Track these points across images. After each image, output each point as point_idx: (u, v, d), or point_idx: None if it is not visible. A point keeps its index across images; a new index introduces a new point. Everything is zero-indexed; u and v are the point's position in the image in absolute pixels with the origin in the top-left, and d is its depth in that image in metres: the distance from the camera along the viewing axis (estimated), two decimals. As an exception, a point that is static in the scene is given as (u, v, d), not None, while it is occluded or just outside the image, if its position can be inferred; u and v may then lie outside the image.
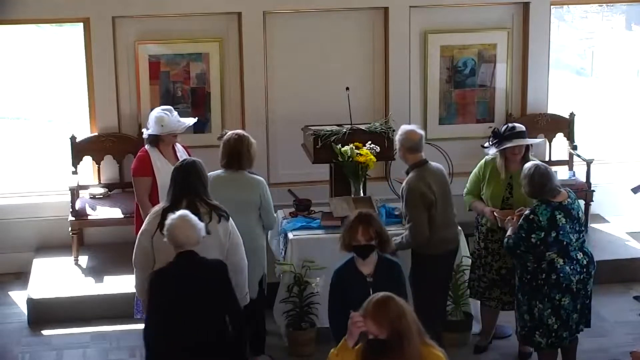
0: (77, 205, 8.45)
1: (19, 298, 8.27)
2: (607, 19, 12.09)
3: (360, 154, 7.54)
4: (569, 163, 9.31)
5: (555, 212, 6.35)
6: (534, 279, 6.44)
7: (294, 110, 8.90)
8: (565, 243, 6.40)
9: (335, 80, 8.80)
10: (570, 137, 9.26)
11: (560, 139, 9.30)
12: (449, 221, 6.89)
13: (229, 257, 5.98)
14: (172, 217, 5.54)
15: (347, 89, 7.87)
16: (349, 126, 7.86)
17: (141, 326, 7.08)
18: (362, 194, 7.69)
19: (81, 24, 8.73)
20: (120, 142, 8.76)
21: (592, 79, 12.50)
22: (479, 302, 7.37)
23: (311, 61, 9.02)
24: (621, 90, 11.29)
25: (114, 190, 8.85)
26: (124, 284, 7.91)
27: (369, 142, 7.62)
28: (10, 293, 8.47)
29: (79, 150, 8.73)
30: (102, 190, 8.76)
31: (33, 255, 8.71)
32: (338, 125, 7.97)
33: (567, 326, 6.50)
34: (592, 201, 9.00)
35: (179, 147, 7.48)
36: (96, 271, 8.39)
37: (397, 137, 6.94)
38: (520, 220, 6.44)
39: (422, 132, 6.91)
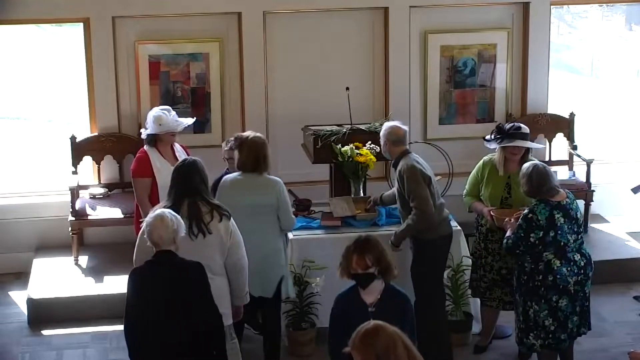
0: (77, 205, 8.45)
1: (19, 298, 8.27)
2: (607, 19, 12.09)
3: (360, 154, 7.55)
4: (569, 163, 9.31)
5: (554, 212, 6.35)
6: (530, 280, 6.43)
7: (294, 111, 8.90)
8: (562, 244, 6.39)
9: (335, 80, 8.80)
10: (570, 137, 9.26)
11: (560, 139, 9.30)
12: (441, 204, 6.98)
13: (229, 255, 5.98)
14: (150, 214, 5.53)
15: (347, 89, 7.88)
16: (349, 126, 7.86)
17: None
18: (362, 194, 7.70)
19: (81, 24, 8.73)
20: (120, 142, 8.76)
21: (592, 79, 12.50)
22: (479, 302, 7.37)
23: (311, 61, 9.02)
24: (621, 90, 11.29)
25: (114, 190, 8.85)
26: (124, 284, 7.85)
27: (369, 142, 7.62)
28: (10, 293, 8.47)
29: (79, 150, 8.73)
30: (102, 190, 8.76)
31: (33, 255, 8.71)
32: (338, 125, 7.97)
33: (565, 328, 6.47)
34: (592, 201, 9.00)
35: (177, 147, 7.48)
36: (96, 271, 8.38)
37: (381, 133, 7.03)
38: (519, 220, 6.44)
39: (406, 128, 7.04)
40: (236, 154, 6.78)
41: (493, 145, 7.04)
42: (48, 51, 12.68)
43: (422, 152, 7.53)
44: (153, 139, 7.35)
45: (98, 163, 8.80)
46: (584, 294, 6.52)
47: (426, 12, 9.06)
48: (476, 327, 7.48)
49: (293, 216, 6.92)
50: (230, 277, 6.03)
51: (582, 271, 6.46)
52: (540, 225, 6.34)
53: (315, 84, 9.00)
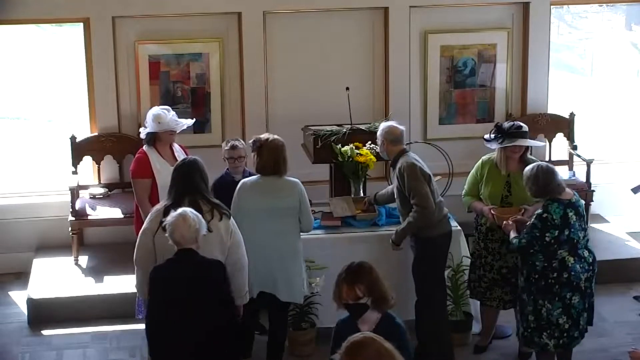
0: (77, 205, 8.45)
1: (19, 298, 8.27)
2: (607, 19, 12.09)
3: (360, 154, 7.55)
4: (569, 163, 9.31)
5: (567, 210, 6.35)
6: (542, 278, 6.41)
7: (294, 110, 8.90)
8: (575, 241, 6.40)
9: (335, 80, 8.80)
10: (570, 137, 9.26)
11: (560, 139, 9.30)
12: (441, 202, 6.99)
13: (230, 255, 5.99)
14: (173, 213, 5.56)
15: (347, 89, 7.88)
16: (349, 126, 7.86)
17: (142, 326, 7.11)
18: (362, 194, 7.70)
19: (81, 24, 8.73)
20: (120, 142, 8.76)
21: (592, 79, 12.50)
22: (478, 302, 7.37)
23: (311, 61, 9.02)
24: (621, 90, 11.29)
25: (114, 190, 8.85)
26: (124, 284, 7.92)
27: (369, 142, 7.62)
28: (10, 293, 8.47)
29: (79, 150, 8.73)
30: (102, 190, 8.76)
31: (33, 255, 8.71)
32: (338, 125, 7.98)
33: (578, 325, 6.48)
34: (592, 201, 8.99)
35: (176, 147, 7.47)
36: (96, 271, 8.38)
37: (378, 133, 7.05)
38: (534, 220, 6.40)
39: (403, 127, 7.05)
40: (254, 157, 6.75)
41: (494, 146, 7.03)
42: (48, 51, 12.68)
43: (422, 152, 7.53)
44: (152, 138, 7.35)
45: (98, 163, 8.80)
46: (591, 291, 6.53)
47: (426, 12, 9.07)
48: (476, 327, 7.48)
49: (312, 217, 6.90)
50: (231, 277, 6.03)
51: (590, 267, 6.49)
52: (555, 224, 6.33)
53: (315, 84, 9.00)
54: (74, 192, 8.43)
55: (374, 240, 7.28)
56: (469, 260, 7.33)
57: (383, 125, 7.06)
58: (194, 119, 7.81)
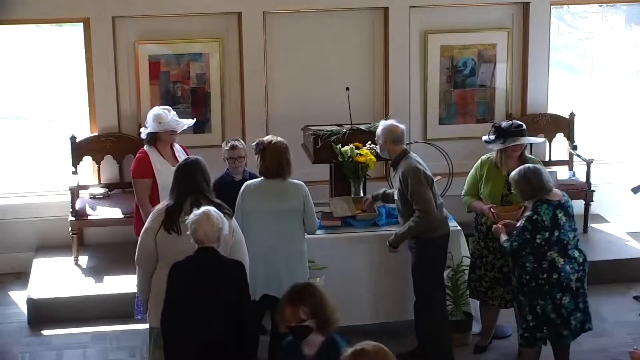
0: (77, 205, 8.45)
1: (19, 298, 8.27)
2: (607, 19, 12.09)
3: (360, 154, 7.55)
4: (569, 163, 9.31)
5: (557, 211, 6.36)
6: (533, 279, 6.43)
7: (294, 110, 8.90)
8: (565, 242, 6.42)
9: (335, 80, 8.80)
10: (570, 137, 9.26)
11: (560, 139, 9.30)
12: (441, 204, 7.00)
13: (232, 254, 5.98)
14: (196, 212, 5.56)
15: (347, 89, 7.88)
16: (349, 126, 7.86)
17: (141, 326, 7.13)
18: (362, 194, 7.70)
19: (81, 24, 8.73)
20: (120, 142, 8.77)
21: (592, 79, 12.49)
22: (478, 302, 7.37)
23: (311, 61, 9.02)
24: (621, 90, 11.28)
25: (114, 190, 8.85)
26: (124, 284, 7.92)
27: (369, 142, 7.62)
28: (10, 293, 8.46)
29: (79, 150, 8.73)
30: (102, 190, 8.76)
31: (33, 255, 8.71)
32: (338, 125, 7.97)
33: (568, 324, 6.49)
34: (592, 201, 9.00)
35: (177, 147, 7.47)
36: (96, 271, 8.38)
37: (379, 131, 7.02)
38: (524, 222, 6.42)
39: (403, 126, 7.04)
40: (258, 159, 6.74)
41: (497, 147, 7.01)
42: (48, 51, 12.67)
43: (422, 152, 7.53)
44: (152, 138, 7.35)
45: (98, 163, 8.80)
46: (583, 291, 6.54)
47: (426, 12, 9.07)
48: (476, 327, 7.48)
49: (317, 219, 6.90)
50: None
51: (581, 267, 6.50)
52: (545, 226, 6.34)
53: (315, 84, 9.00)
54: (74, 192, 8.43)
55: (374, 240, 7.28)
56: (469, 260, 7.33)
57: (384, 124, 7.05)
58: (195, 119, 7.81)
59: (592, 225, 9.15)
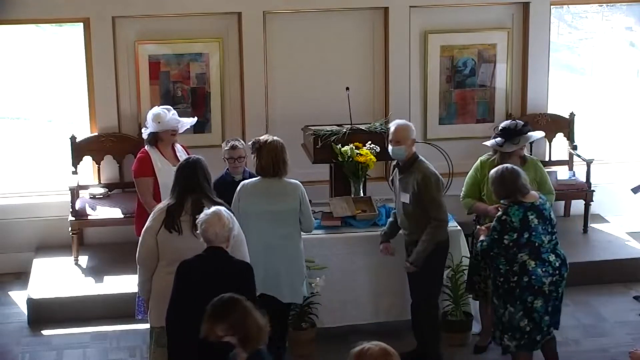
0: (77, 205, 8.45)
1: (19, 298, 8.27)
2: (607, 19, 12.07)
3: (360, 154, 7.55)
4: (569, 163, 9.31)
5: (528, 213, 6.31)
6: (506, 282, 6.38)
7: (294, 110, 8.90)
8: (537, 244, 6.35)
9: (335, 80, 8.80)
10: (570, 137, 9.26)
11: (560, 139, 9.30)
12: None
13: (232, 253, 5.98)
14: (206, 211, 5.57)
15: (347, 89, 7.88)
16: (349, 126, 7.86)
17: (141, 326, 7.13)
18: (362, 194, 7.70)
19: (81, 24, 8.73)
20: (120, 142, 8.77)
21: (592, 79, 12.48)
22: (477, 302, 7.36)
23: (311, 61, 9.02)
24: (621, 90, 11.28)
25: (114, 190, 8.85)
26: (124, 284, 7.92)
27: (369, 142, 7.62)
28: (10, 293, 8.46)
29: (79, 150, 8.73)
30: (102, 190, 8.76)
31: (33, 255, 8.71)
32: (338, 125, 7.98)
33: (540, 329, 6.42)
34: (592, 201, 9.00)
35: (178, 147, 7.47)
36: (96, 271, 8.38)
37: (404, 129, 6.80)
38: (494, 222, 6.41)
39: None
40: (254, 158, 6.74)
41: (512, 148, 6.95)
42: (48, 51, 12.66)
43: (422, 152, 7.50)
44: (153, 138, 7.35)
45: (98, 163, 8.81)
46: (557, 294, 6.47)
47: (426, 12, 9.07)
48: (476, 327, 7.48)
49: (313, 218, 6.89)
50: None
51: (557, 272, 6.41)
52: (514, 227, 6.31)
53: (315, 84, 9.00)
54: (74, 192, 8.43)
55: (374, 240, 7.28)
56: (469, 260, 7.32)
57: (406, 123, 6.88)
58: (196, 118, 7.80)
59: (592, 225, 9.14)
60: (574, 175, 9.18)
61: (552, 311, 6.48)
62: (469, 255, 7.36)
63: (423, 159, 6.86)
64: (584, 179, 8.99)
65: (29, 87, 12.01)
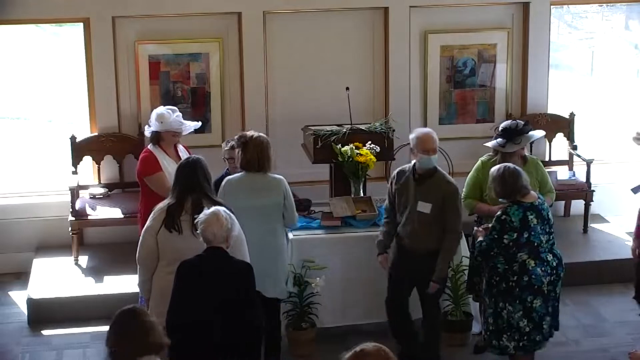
0: (77, 205, 8.45)
1: (19, 298, 8.27)
2: (607, 19, 12.07)
3: (360, 154, 7.55)
4: (569, 163, 9.31)
5: (527, 213, 6.33)
6: (503, 281, 6.38)
7: (294, 110, 8.91)
8: (536, 244, 6.36)
9: (335, 80, 8.80)
10: (570, 137, 9.27)
11: (560, 139, 9.31)
12: None
13: (232, 253, 5.99)
14: (205, 211, 5.58)
15: (347, 89, 7.88)
16: (349, 126, 7.86)
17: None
18: (362, 194, 7.70)
19: (81, 24, 8.74)
20: (120, 142, 8.77)
21: (592, 79, 12.48)
22: (477, 302, 7.36)
23: (311, 61, 9.02)
24: (621, 90, 11.28)
25: (114, 190, 8.85)
26: (124, 284, 7.92)
27: (369, 142, 7.62)
28: (10, 293, 8.46)
29: (79, 150, 8.73)
30: (102, 190, 8.76)
31: (33, 255, 8.71)
32: (338, 125, 7.97)
33: (540, 329, 6.42)
34: (592, 201, 9.00)
35: (181, 148, 7.45)
36: (96, 271, 8.39)
37: (433, 139, 6.75)
38: (492, 222, 6.43)
39: None
40: (239, 153, 6.77)
41: (514, 148, 6.96)
42: (48, 51, 12.66)
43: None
44: (156, 137, 7.32)
45: (98, 163, 8.80)
46: (555, 294, 6.48)
47: (426, 12, 9.07)
48: (476, 327, 7.48)
49: (296, 213, 6.93)
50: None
51: (554, 271, 6.43)
52: (513, 226, 6.32)
53: (315, 84, 9.00)
54: (74, 192, 8.43)
55: (373, 240, 7.26)
56: (469, 260, 7.30)
57: (431, 131, 6.83)
58: (200, 122, 7.72)
59: (592, 225, 9.15)
60: (574, 175, 9.18)
61: (553, 313, 6.49)
62: (469, 256, 7.36)
63: (440, 169, 6.83)
64: (584, 179, 9.00)
65: (29, 87, 12.01)
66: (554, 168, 9.18)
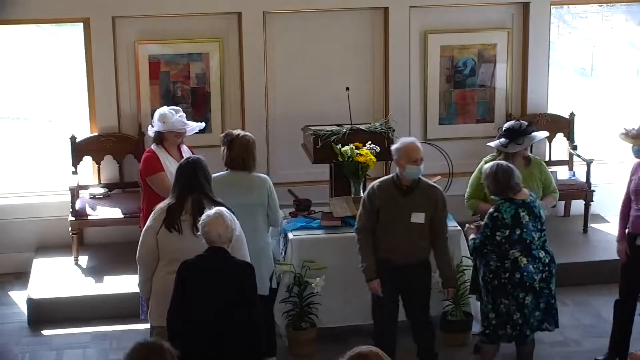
0: (77, 205, 8.45)
1: (19, 298, 8.27)
2: (607, 19, 12.08)
3: (360, 154, 7.55)
4: (569, 163, 9.31)
5: (519, 210, 6.37)
6: (496, 278, 6.43)
7: (294, 110, 8.90)
8: (528, 241, 6.40)
9: (335, 80, 8.80)
10: (570, 137, 9.27)
11: (560, 139, 9.31)
12: None
13: (233, 253, 5.99)
14: (208, 212, 5.58)
15: (347, 89, 7.88)
16: (349, 126, 7.86)
17: (142, 326, 7.13)
18: (362, 194, 7.69)
19: (81, 24, 8.73)
20: (120, 142, 8.76)
21: (592, 79, 12.50)
22: (478, 302, 7.36)
23: (311, 61, 9.02)
24: (621, 90, 11.29)
25: (114, 190, 8.85)
26: (124, 284, 7.92)
27: (369, 142, 7.62)
28: (10, 293, 8.46)
29: (79, 150, 8.73)
30: (102, 190, 8.76)
31: (33, 255, 8.71)
32: (338, 125, 7.97)
33: (529, 323, 6.49)
34: (592, 201, 9.00)
35: (184, 148, 7.43)
36: (96, 271, 8.39)
37: (420, 150, 6.54)
38: (485, 219, 6.46)
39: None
40: (224, 151, 6.80)
41: (517, 149, 6.96)
42: (48, 51, 12.66)
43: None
44: (158, 137, 7.31)
45: (98, 163, 8.80)
46: (549, 291, 6.51)
47: (426, 12, 9.07)
48: (476, 327, 7.47)
49: (280, 213, 6.97)
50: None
51: (546, 268, 6.47)
52: (505, 223, 6.35)
53: (315, 84, 9.00)
54: (74, 192, 8.43)
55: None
56: (469, 260, 7.31)
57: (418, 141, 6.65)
58: (204, 124, 7.69)
59: (592, 225, 9.14)
60: (574, 175, 9.18)
61: (547, 309, 6.52)
62: (469, 255, 7.36)
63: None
64: (584, 179, 9.00)
65: (29, 87, 12.02)
66: (554, 168, 9.15)
